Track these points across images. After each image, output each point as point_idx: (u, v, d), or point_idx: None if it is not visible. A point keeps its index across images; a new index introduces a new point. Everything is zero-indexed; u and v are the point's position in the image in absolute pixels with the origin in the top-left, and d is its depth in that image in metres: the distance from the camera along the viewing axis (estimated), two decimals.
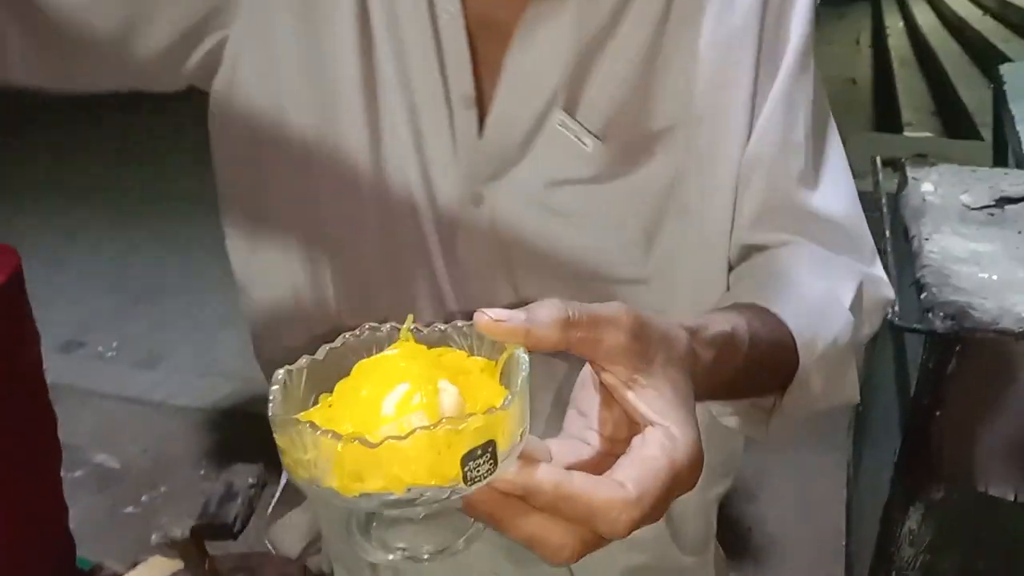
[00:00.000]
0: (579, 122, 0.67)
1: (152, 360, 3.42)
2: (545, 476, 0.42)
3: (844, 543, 2.06)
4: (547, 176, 0.69)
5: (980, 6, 9.93)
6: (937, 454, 1.23)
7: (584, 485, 0.42)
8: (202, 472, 2.78)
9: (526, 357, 0.44)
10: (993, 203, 1.58)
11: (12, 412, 1.19)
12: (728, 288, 0.74)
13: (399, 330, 0.47)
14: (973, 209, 1.55)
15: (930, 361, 1.18)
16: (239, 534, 2.49)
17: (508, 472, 0.42)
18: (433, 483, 0.40)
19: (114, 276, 4.14)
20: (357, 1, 0.66)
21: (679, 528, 0.87)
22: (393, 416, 0.42)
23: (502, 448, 0.41)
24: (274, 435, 0.42)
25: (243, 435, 2.95)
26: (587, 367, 0.49)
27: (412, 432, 0.39)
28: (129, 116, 7.42)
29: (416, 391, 0.42)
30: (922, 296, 1.22)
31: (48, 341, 0.98)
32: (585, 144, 0.68)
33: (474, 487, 0.41)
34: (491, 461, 0.41)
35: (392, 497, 0.41)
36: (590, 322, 0.44)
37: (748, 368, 0.57)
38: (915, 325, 1.21)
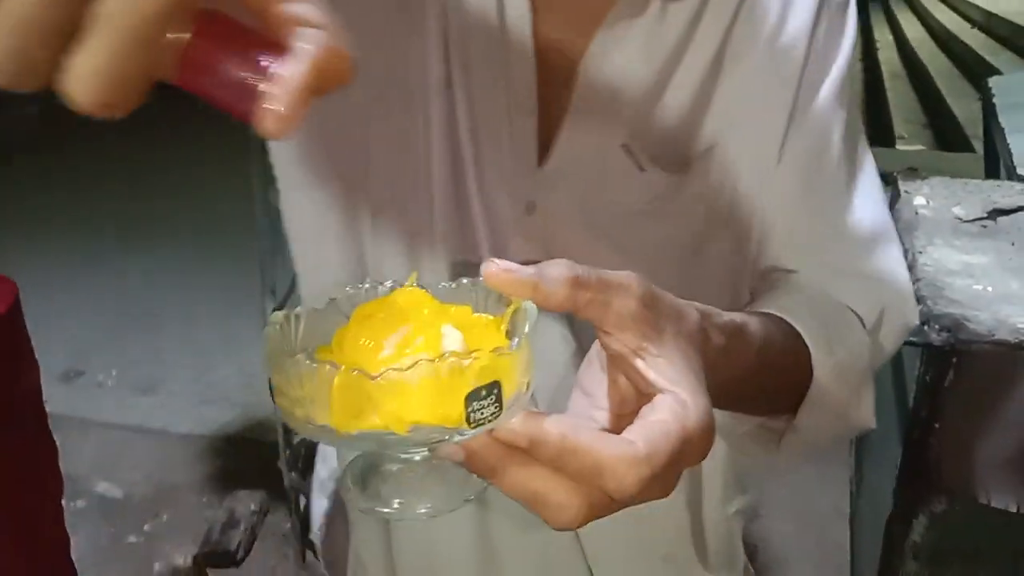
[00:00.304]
0: (639, 146, 0.69)
1: (152, 387, 3.42)
2: (551, 426, 0.40)
3: (848, 558, 2.06)
4: (600, 197, 0.70)
5: (968, 19, 10.02)
6: (938, 467, 1.23)
7: (592, 438, 0.40)
8: (204, 499, 2.77)
9: (534, 308, 0.42)
10: (985, 215, 1.60)
11: (13, 443, 1.20)
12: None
13: (401, 287, 0.46)
14: (966, 221, 1.56)
15: (927, 374, 1.19)
16: (242, 561, 2.48)
17: (512, 421, 0.40)
18: (435, 423, 0.38)
19: (112, 303, 4.14)
20: (439, 7, 0.67)
21: (703, 544, 0.87)
22: (393, 357, 0.40)
23: (507, 395, 0.39)
24: (269, 374, 0.40)
25: (245, 461, 2.95)
26: (592, 349, 0.48)
27: (414, 364, 0.37)
28: (126, 143, 7.44)
29: (419, 334, 0.40)
30: (918, 308, 1.22)
31: (47, 370, 0.99)
32: (643, 169, 0.69)
33: (477, 430, 0.39)
34: (496, 404, 0.39)
35: (391, 436, 0.38)
36: (600, 284, 0.43)
37: (760, 369, 0.56)
38: (911, 338, 1.22)
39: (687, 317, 0.47)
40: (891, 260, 0.75)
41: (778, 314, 0.64)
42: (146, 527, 2.64)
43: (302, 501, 2.49)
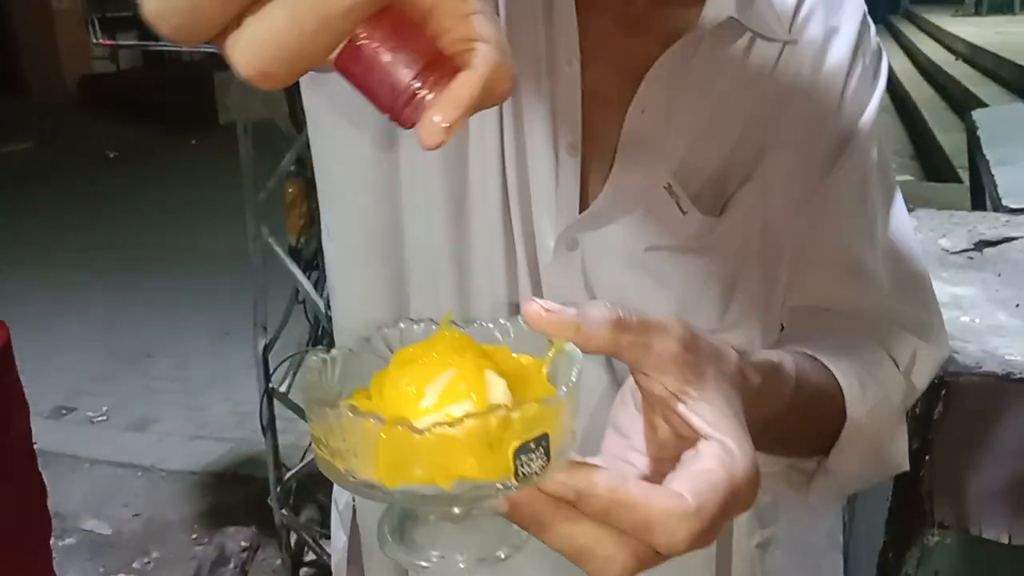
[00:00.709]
0: (681, 188, 0.70)
1: (142, 424, 3.40)
2: (600, 479, 0.39)
3: None
4: (642, 237, 0.71)
5: (952, 51, 10.17)
6: (929, 499, 1.24)
7: (642, 492, 0.39)
8: (194, 536, 2.75)
9: (578, 352, 0.41)
10: (972, 247, 1.61)
11: (2, 486, 1.19)
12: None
13: (436, 325, 0.44)
14: (953, 253, 1.58)
15: (918, 406, 1.19)
16: None
17: (559, 475, 0.39)
18: (481, 477, 0.37)
19: (103, 340, 4.13)
20: None
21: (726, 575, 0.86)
22: (437, 405, 0.38)
23: (555, 445, 0.38)
24: (309, 422, 0.39)
25: (235, 498, 2.92)
26: (625, 387, 0.48)
27: (462, 418, 0.36)
28: (118, 179, 7.47)
29: (462, 380, 0.39)
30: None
31: (37, 407, 0.98)
32: (684, 212, 0.70)
33: (526, 483, 0.38)
34: (544, 456, 0.38)
35: (436, 491, 0.37)
36: (641, 327, 0.42)
37: (794, 409, 0.56)
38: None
39: (727, 358, 0.46)
40: (923, 295, 0.76)
41: (812, 354, 0.64)
42: (135, 565, 2.62)
43: (292, 537, 2.47)
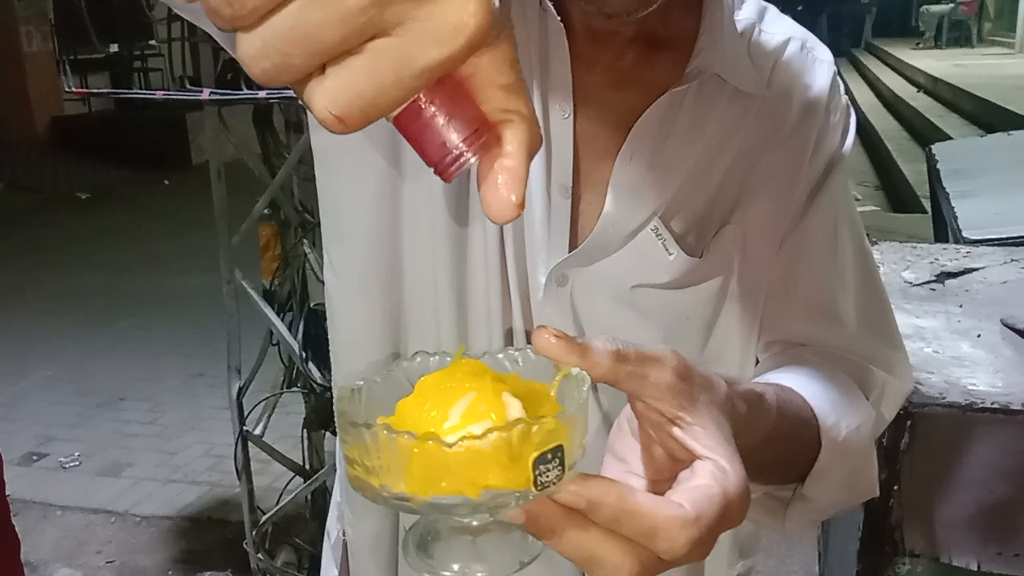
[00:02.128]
0: (670, 230, 0.75)
1: (115, 468, 3.36)
2: (610, 489, 0.43)
3: None
4: (629, 275, 0.76)
5: (914, 83, 10.40)
6: (899, 527, 1.25)
7: (648, 501, 0.43)
8: None
9: (585, 374, 0.45)
10: (934, 278, 1.65)
11: None
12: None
13: (450, 357, 0.48)
14: (915, 285, 1.62)
15: (884, 437, 1.22)
16: None
17: (571, 484, 0.42)
18: (505, 487, 0.40)
19: (74, 384, 4.09)
20: None
21: None
22: (460, 424, 0.41)
23: (569, 458, 0.41)
24: (342, 444, 0.42)
25: (210, 542, 2.89)
26: (621, 417, 0.52)
27: (488, 432, 0.39)
28: (86, 221, 7.42)
29: (481, 402, 0.42)
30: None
31: (8, 454, 0.98)
32: (670, 253, 0.75)
33: (543, 492, 0.41)
34: (560, 467, 0.41)
35: (463, 501, 0.40)
36: (639, 358, 0.46)
37: (775, 437, 0.60)
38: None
39: (717, 387, 0.50)
40: (888, 332, 0.81)
41: (789, 385, 0.69)
42: None
43: None
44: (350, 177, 0.77)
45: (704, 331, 0.78)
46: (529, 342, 0.73)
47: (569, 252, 0.75)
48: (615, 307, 0.76)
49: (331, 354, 0.87)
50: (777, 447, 0.61)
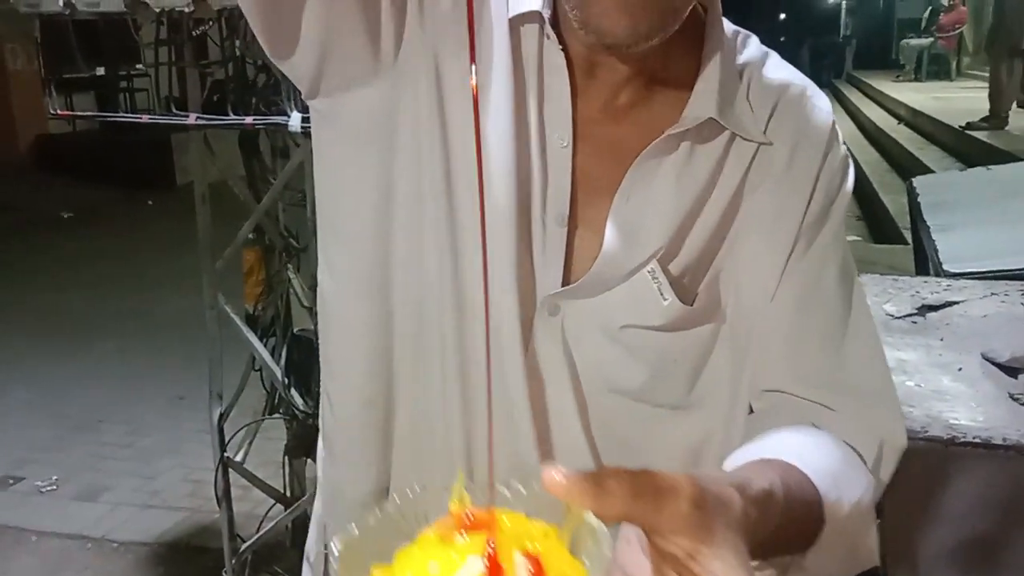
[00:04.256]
0: (668, 276, 0.75)
1: (93, 493, 3.31)
2: None
3: None
4: (620, 315, 0.76)
5: (895, 115, 10.53)
6: (882, 561, 1.26)
7: None
8: None
9: (604, 528, 0.44)
10: (915, 311, 1.67)
11: None
12: (751, 427, 0.79)
13: (450, 491, 0.47)
14: (897, 318, 1.63)
15: None
16: None
17: None
18: None
19: (53, 406, 4.04)
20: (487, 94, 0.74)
21: None
22: None
23: None
24: None
25: (188, 570, 2.85)
26: (629, 528, 0.50)
27: None
28: (69, 241, 7.36)
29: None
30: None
31: None
32: (665, 298, 0.75)
33: None
34: None
35: None
36: (654, 492, 0.45)
37: (783, 525, 0.60)
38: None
39: (731, 505, 0.50)
40: (885, 386, 0.80)
41: (792, 462, 0.68)
42: None
43: None
44: (347, 176, 0.78)
45: (692, 373, 0.79)
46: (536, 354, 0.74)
47: (562, 281, 0.75)
48: (605, 342, 0.77)
49: (321, 357, 0.87)
50: (783, 535, 0.61)
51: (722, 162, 0.76)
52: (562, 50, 0.73)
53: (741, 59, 0.79)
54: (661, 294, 0.75)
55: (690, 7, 0.70)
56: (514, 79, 0.74)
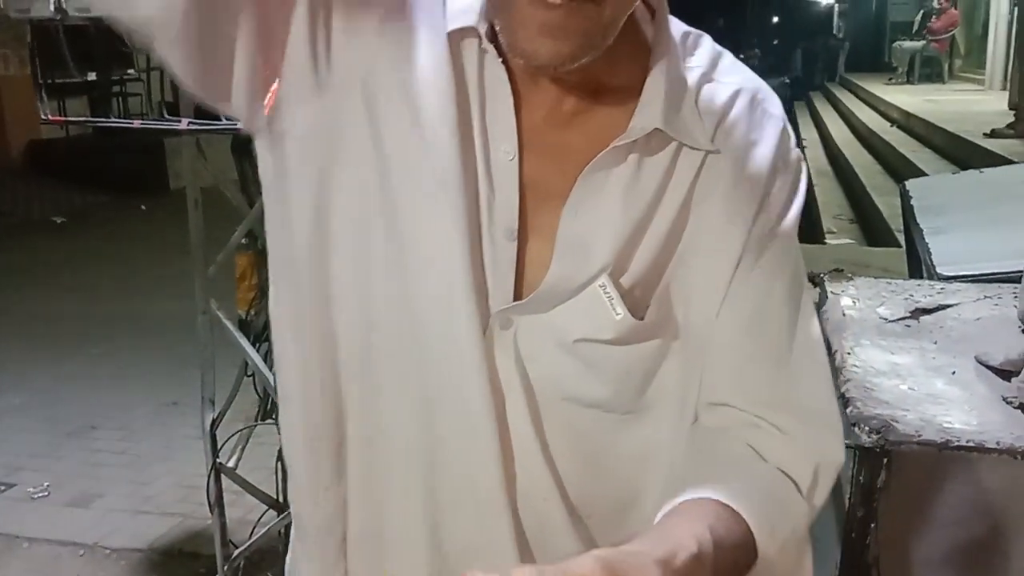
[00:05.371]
0: (619, 289, 0.74)
1: (85, 499, 3.30)
2: None
3: None
4: (573, 329, 0.76)
5: (887, 118, 10.55)
6: (876, 565, 1.25)
7: None
8: None
9: None
10: (908, 314, 1.66)
11: None
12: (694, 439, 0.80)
13: None
14: (890, 321, 1.63)
15: (861, 474, 1.22)
16: None
17: None
18: None
19: (45, 412, 4.02)
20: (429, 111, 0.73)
21: None
22: None
23: None
24: None
25: (181, 574, 2.84)
26: None
27: None
28: (61, 246, 7.34)
29: None
30: (848, 410, 1.26)
31: None
32: (617, 313, 0.74)
33: None
34: None
35: None
36: None
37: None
38: (843, 440, 1.25)
39: None
40: (826, 402, 0.80)
41: (725, 501, 0.69)
42: None
43: None
44: (288, 203, 0.77)
45: (645, 382, 0.79)
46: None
47: (513, 294, 0.75)
48: (559, 355, 0.77)
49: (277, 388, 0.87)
50: None
51: (670, 172, 0.75)
52: (503, 62, 0.72)
53: (691, 62, 0.78)
54: (613, 308, 0.74)
55: (621, 21, 0.69)
56: (456, 93, 0.73)
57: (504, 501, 0.78)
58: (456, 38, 0.73)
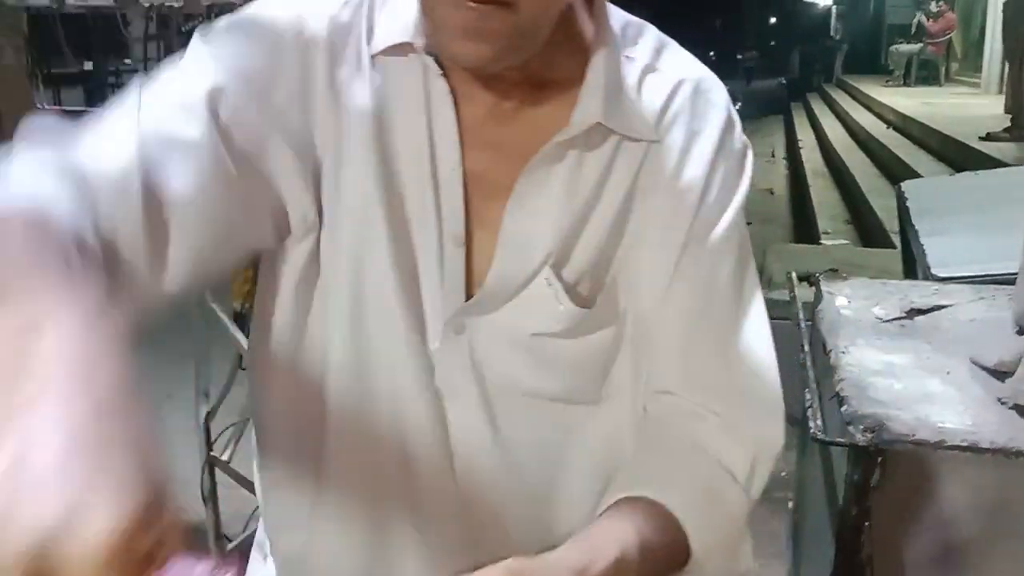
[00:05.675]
0: (562, 282, 0.75)
1: None
2: None
3: None
4: (526, 324, 0.76)
5: (884, 120, 10.58)
6: (870, 564, 1.26)
7: None
8: None
9: None
10: (904, 314, 1.67)
11: None
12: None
13: None
14: (885, 321, 1.63)
15: (855, 474, 1.22)
16: None
17: None
18: None
19: None
20: (375, 141, 0.74)
21: None
22: None
23: None
24: None
25: None
26: None
27: None
28: None
29: None
30: (842, 409, 1.26)
31: None
32: (560, 304, 0.75)
33: None
34: None
35: None
36: None
37: None
38: (837, 439, 1.26)
39: None
40: (767, 388, 0.80)
41: (658, 500, 0.71)
42: None
43: None
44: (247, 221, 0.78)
45: (601, 372, 0.80)
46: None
47: (466, 298, 0.76)
48: (515, 354, 0.77)
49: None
50: None
51: (611, 165, 0.76)
52: (442, 75, 0.73)
53: (632, 52, 0.78)
54: (558, 300, 0.75)
55: (544, 22, 0.68)
56: (380, 122, 0.74)
57: (453, 510, 0.80)
58: (395, 53, 0.73)
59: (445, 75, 0.73)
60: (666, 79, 0.78)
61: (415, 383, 0.77)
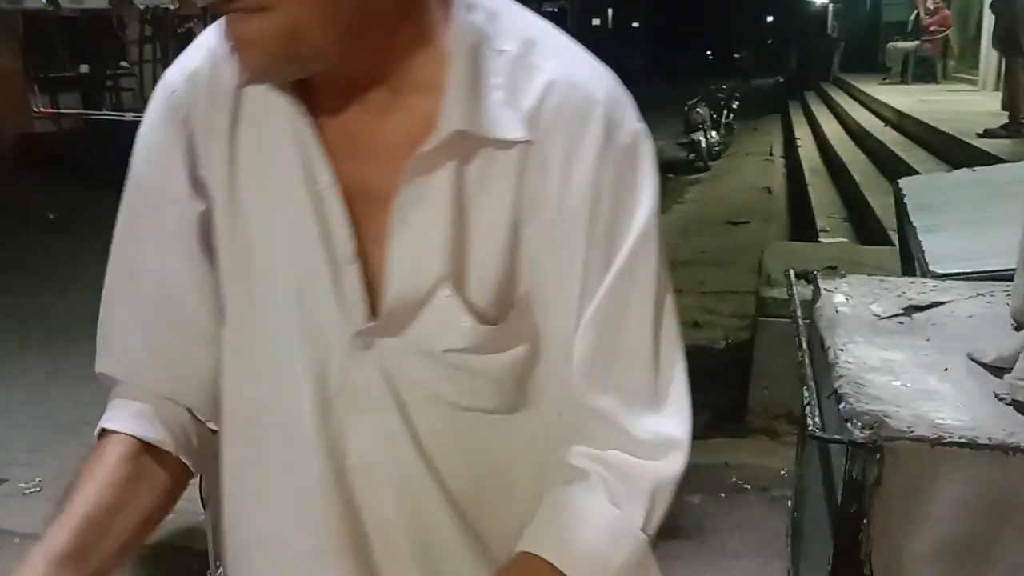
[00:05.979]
0: (462, 298, 0.73)
1: None
2: None
3: None
4: (438, 340, 0.75)
5: (881, 118, 10.57)
6: (868, 562, 1.26)
7: None
8: None
9: None
10: (901, 311, 1.67)
11: None
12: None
13: None
14: (883, 318, 1.63)
15: (853, 471, 1.22)
16: None
17: None
18: None
19: (37, 407, 4.01)
20: (253, 177, 0.76)
21: None
22: None
23: None
24: None
25: (173, 571, 2.83)
26: None
27: None
28: (53, 241, 7.31)
29: None
30: (841, 406, 1.27)
31: None
32: (464, 322, 0.73)
33: None
34: None
35: None
36: None
37: None
38: (836, 436, 1.26)
39: None
40: (675, 414, 0.77)
41: (547, 559, 0.72)
42: None
43: None
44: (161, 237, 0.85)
45: (517, 387, 0.78)
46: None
47: (372, 309, 0.74)
48: (429, 367, 0.76)
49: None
50: None
51: (487, 170, 0.72)
52: (296, 97, 0.71)
53: (501, 45, 0.72)
54: (460, 318, 0.73)
55: (316, 26, 0.64)
56: (268, 142, 0.74)
57: (399, 524, 0.80)
58: (250, 87, 0.72)
59: (311, 92, 0.72)
60: (538, 73, 0.72)
61: (312, 399, 0.77)
